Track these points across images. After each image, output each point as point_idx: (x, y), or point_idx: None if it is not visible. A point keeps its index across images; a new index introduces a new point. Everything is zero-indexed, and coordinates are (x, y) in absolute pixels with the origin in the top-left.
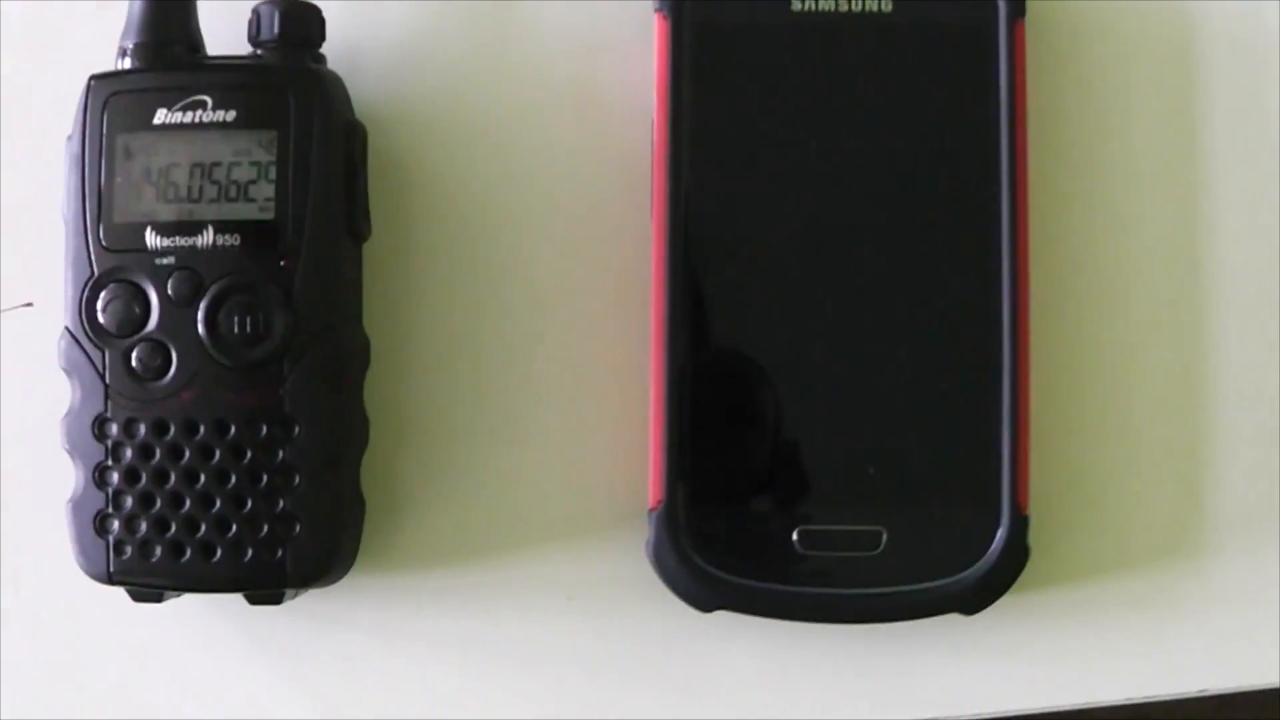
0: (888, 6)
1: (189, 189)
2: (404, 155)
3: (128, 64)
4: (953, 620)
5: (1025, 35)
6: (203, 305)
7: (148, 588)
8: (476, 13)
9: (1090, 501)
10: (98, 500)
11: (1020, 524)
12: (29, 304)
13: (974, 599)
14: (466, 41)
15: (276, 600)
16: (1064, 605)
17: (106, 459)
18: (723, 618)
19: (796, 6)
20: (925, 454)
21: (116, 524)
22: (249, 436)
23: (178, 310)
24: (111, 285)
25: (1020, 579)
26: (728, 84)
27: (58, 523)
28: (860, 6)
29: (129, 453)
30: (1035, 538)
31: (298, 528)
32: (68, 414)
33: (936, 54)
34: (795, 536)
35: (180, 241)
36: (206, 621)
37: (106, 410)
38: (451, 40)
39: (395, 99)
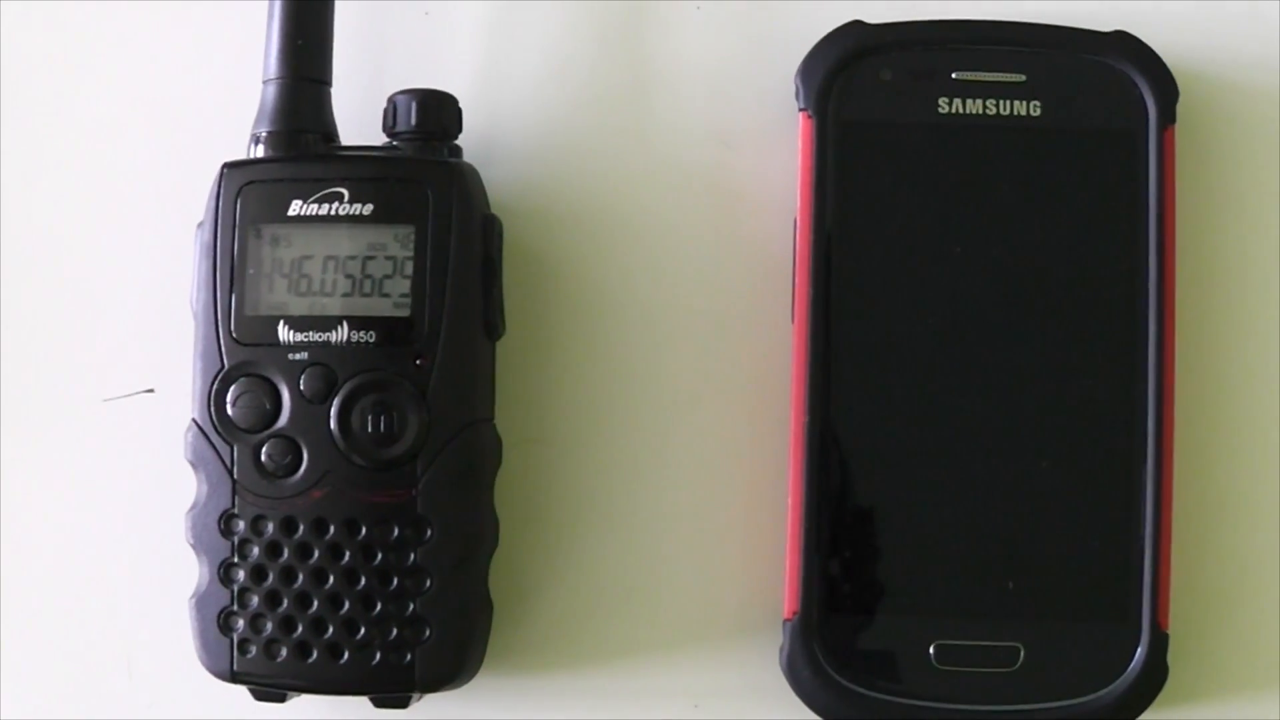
0: (1035, 111)
1: (323, 282)
2: (536, 247)
3: (261, 152)
4: None
5: (1175, 141)
6: (336, 402)
7: (272, 687)
8: (613, 102)
9: (1229, 619)
10: (222, 597)
11: (1160, 642)
12: (150, 390)
13: (1112, 718)
14: (602, 132)
15: (403, 704)
16: None
17: (233, 556)
18: None
19: (943, 109)
20: (1064, 569)
21: (241, 622)
22: (380, 537)
23: (310, 406)
24: (242, 379)
25: (1158, 697)
26: (871, 184)
27: (176, 616)
28: (1008, 110)
29: (256, 550)
30: (1173, 654)
31: (428, 631)
32: (193, 508)
33: (1084, 159)
34: (932, 651)
35: (314, 336)
36: None
37: (234, 506)
38: (587, 130)
39: (529, 189)
